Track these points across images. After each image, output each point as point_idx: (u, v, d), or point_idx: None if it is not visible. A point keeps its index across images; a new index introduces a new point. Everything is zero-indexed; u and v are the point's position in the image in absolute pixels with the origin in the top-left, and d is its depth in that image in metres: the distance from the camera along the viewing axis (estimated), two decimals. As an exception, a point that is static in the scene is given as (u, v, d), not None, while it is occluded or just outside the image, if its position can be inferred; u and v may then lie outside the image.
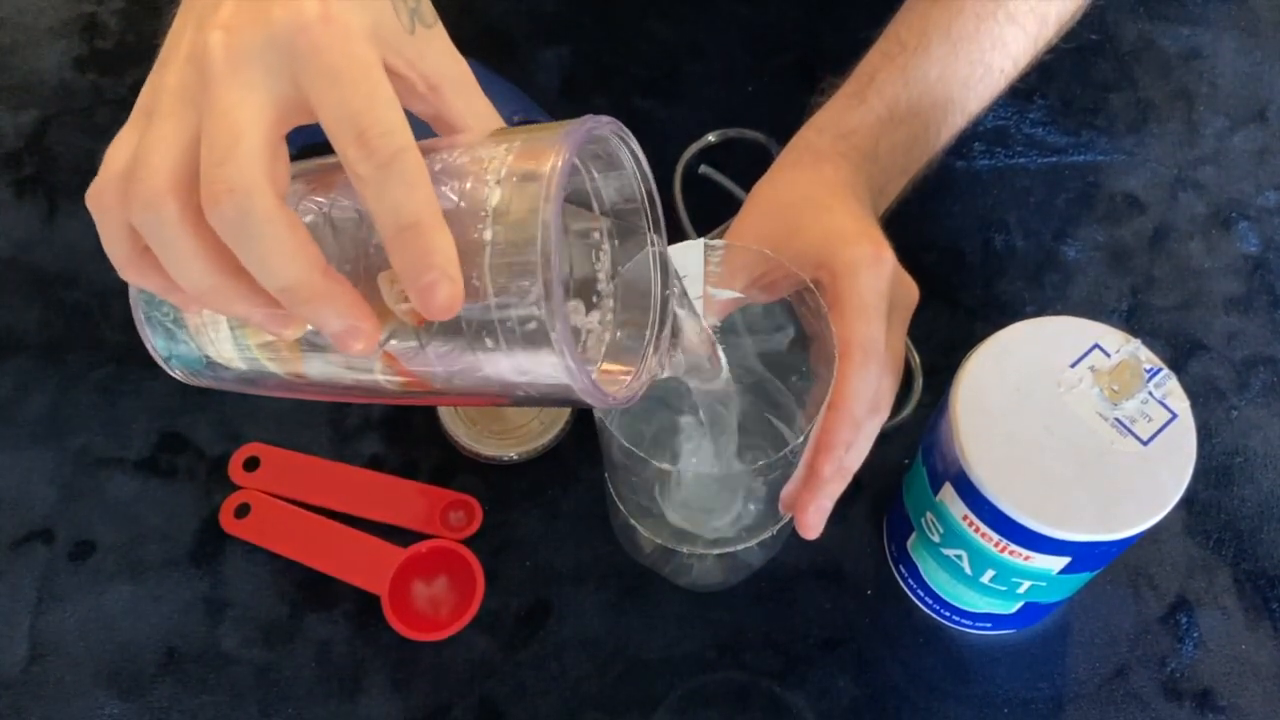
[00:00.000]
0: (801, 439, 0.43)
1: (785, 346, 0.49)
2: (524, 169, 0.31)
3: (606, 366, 0.38)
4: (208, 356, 0.37)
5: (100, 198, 0.33)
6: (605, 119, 0.33)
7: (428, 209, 0.30)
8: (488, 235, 0.31)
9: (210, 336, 0.37)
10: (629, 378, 0.38)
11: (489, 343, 0.32)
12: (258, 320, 0.33)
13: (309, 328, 0.33)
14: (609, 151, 0.35)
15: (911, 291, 0.47)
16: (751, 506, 0.50)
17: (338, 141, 0.30)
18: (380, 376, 0.34)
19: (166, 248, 0.31)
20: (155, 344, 0.38)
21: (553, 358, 0.31)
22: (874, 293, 0.44)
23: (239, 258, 0.31)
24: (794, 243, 0.46)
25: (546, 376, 0.32)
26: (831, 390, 0.43)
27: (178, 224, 0.31)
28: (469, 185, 0.32)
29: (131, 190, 0.31)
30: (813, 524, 0.45)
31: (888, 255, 0.45)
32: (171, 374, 0.39)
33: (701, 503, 0.52)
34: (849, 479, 0.45)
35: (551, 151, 0.31)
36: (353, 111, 0.30)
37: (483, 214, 0.31)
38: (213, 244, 0.31)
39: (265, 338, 0.36)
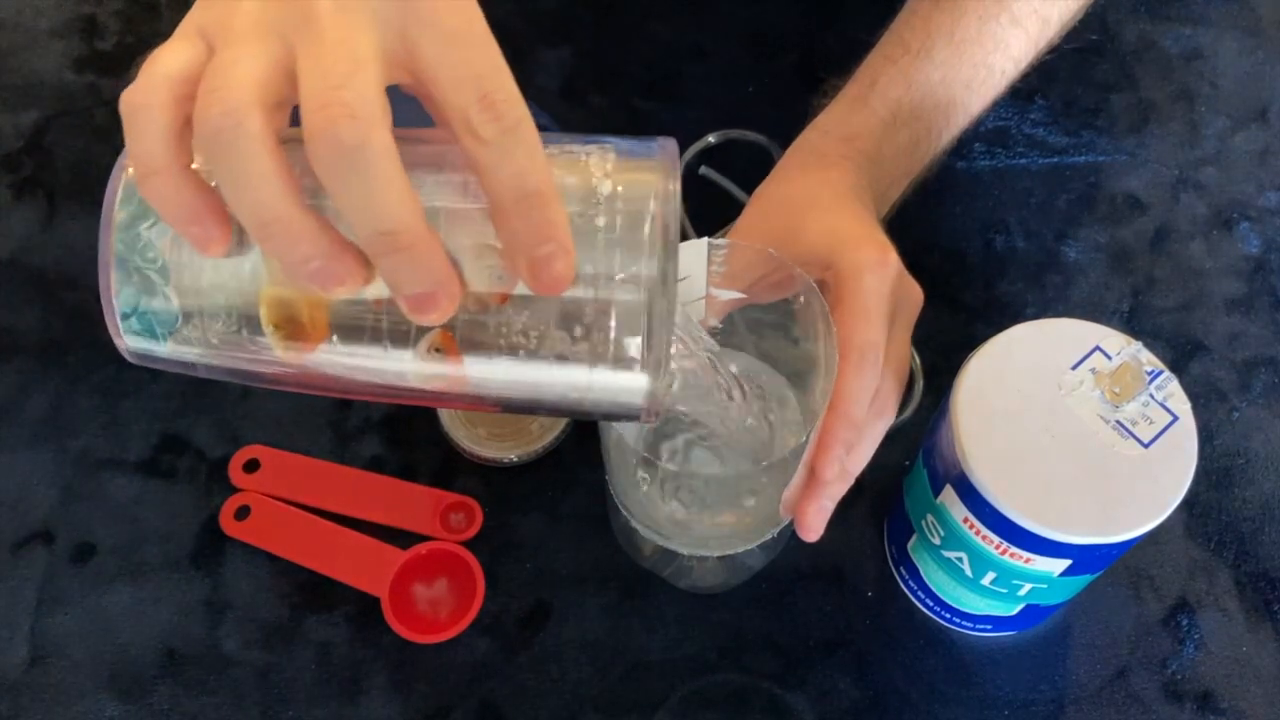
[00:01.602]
0: (804, 439, 0.43)
1: (787, 347, 0.49)
2: (634, 171, 0.31)
3: None
4: (185, 320, 0.32)
5: (148, 94, 0.30)
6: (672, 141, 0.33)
7: (548, 180, 0.29)
8: (600, 222, 0.31)
9: (203, 294, 0.32)
10: None
11: (577, 330, 0.31)
12: (312, 269, 0.29)
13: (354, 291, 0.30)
14: None
15: (916, 294, 0.47)
16: (752, 503, 0.50)
17: (456, 102, 0.29)
18: (413, 366, 0.32)
19: (239, 162, 0.29)
20: (120, 294, 0.33)
21: (640, 374, 0.31)
22: (877, 295, 0.44)
23: (336, 191, 0.29)
24: (798, 244, 0.46)
25: (619, 381, 0.32)
26: (831, 392, 0.42)
27: (259, 139, 0.29)
28: (570, 174, 0.31)
29: (208, 97, 0.29)
30: (813, 526, 0.45)
31: (892, 258, 0.45)
32: (121, 339, 0.33)
33: (703, 502, 0.52)
34: (850, 482, 0.45)
35: (656, 162, 0.32)
36: (477, 73, 0.29)
37: (596, 201, 0.31)
38: (288, 171, 0.29)
39: (283, 298, 0.32)
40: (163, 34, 0.35)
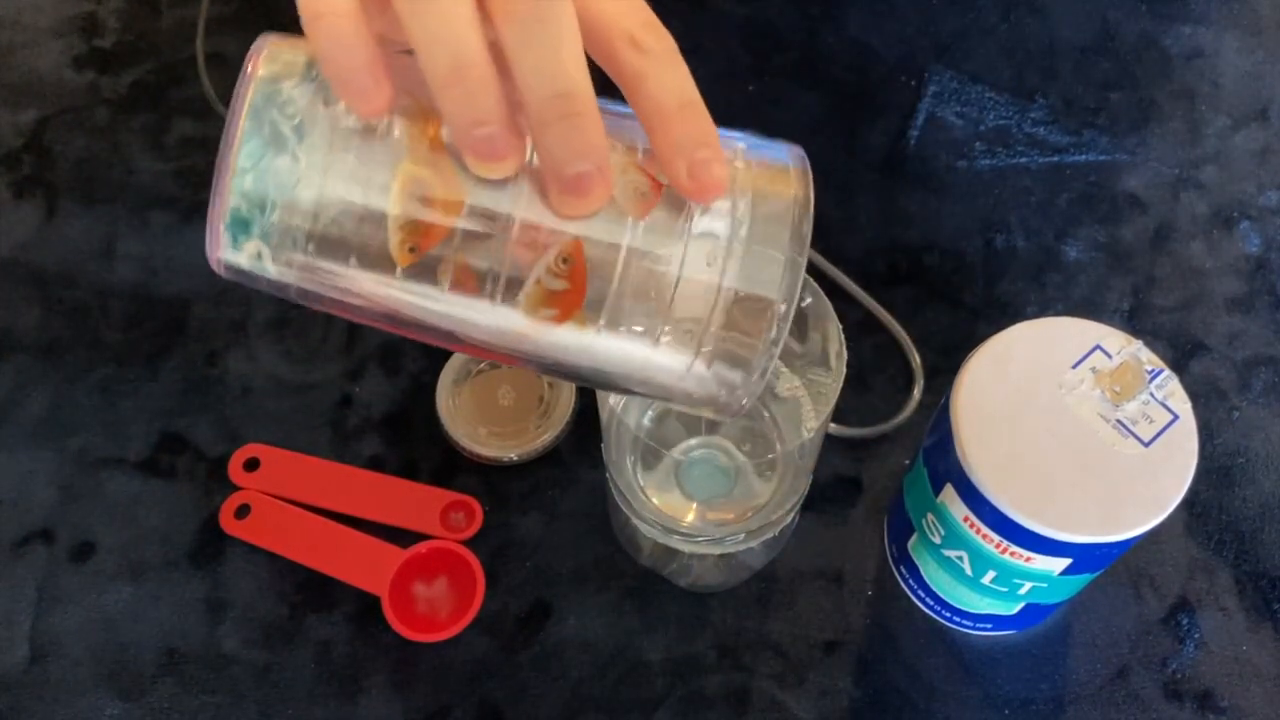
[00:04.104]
0: (811, 434, 0.43)
1: (792, 344, 0.49)
2: (766, 171, 0.33)
3: None
4: (303, 189, 0.30)
5: None
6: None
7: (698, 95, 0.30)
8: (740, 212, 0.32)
9: (332, 168, 0.30)
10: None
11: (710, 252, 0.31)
12: (482, 135, 0.28)
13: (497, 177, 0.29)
14: None
15: None
16: (750, 497, 0.50)
17: (623, 23, 0.31)
18: (538, 277, 0.31)
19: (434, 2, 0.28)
20: (246, 146, 0.30)
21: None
22: None
23: (518, 44, 0.28)
24: None
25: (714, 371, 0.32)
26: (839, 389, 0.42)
27: None
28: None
29: None
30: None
31: None
32: (220, 205, 0.30)
33: (701, 493, 0.52)
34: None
35: (789, 166, 0.33)
36: (640, 5, 0.32)
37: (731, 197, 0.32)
38: (479, 19, 0.28)
39: (423, 182, 0.30)
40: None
